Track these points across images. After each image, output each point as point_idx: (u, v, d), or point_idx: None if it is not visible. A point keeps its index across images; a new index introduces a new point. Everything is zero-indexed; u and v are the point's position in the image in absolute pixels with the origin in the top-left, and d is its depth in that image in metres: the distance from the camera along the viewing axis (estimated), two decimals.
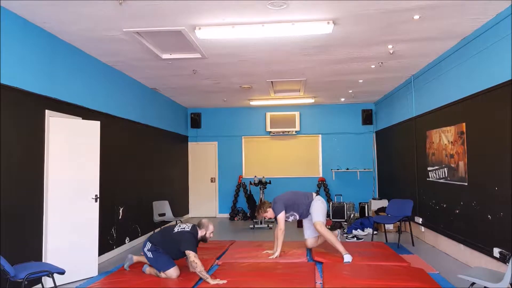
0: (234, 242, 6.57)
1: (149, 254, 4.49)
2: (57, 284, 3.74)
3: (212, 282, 4.20)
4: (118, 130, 6.26)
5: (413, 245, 6.31)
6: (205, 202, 10.40)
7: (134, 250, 6.38)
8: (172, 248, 4.47)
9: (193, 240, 4.49)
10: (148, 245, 4.52)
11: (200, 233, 4.64)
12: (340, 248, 5.14)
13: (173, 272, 4.44)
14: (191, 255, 4.33)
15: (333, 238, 5.22)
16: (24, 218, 4.15)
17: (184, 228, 4.60)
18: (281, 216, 5.33)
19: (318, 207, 5.38)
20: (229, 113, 10.40)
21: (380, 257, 5.26)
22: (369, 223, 7.55)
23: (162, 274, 4.45)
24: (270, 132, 10.18)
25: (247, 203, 9.50)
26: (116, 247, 6.09)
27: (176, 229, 4.58)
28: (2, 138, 3.82)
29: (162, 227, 4.62)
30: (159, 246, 4.49)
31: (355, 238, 7.01)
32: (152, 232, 4.42)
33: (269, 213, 5.52)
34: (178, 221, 4.58)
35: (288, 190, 9.84)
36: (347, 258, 5.02)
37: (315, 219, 5.29)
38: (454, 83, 5.27)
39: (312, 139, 10.25)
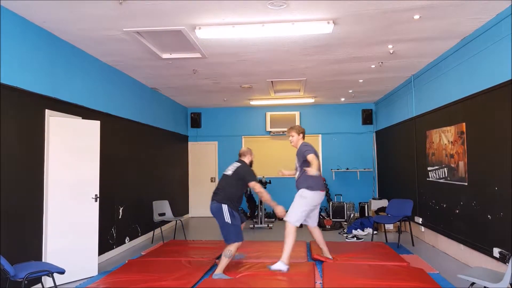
0: None
1: (227, 218, 4.46)
2: (57, 284, 3.74)
3: (279, 208, 4.63)
4: (118, 130, 6.25)
5: (413, 245, 6.31)
6: (205, 202, 10.30)
7: (134, 250, 6.38)
8: (238, 191, 4.66)
9: (250, 170, 4.72)
10: (226, 207, 4.49)
11: (248, 159, 4.86)
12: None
13: (238, 245, 4.55)
14: (256, 186, 4.59)
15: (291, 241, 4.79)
16: (24, 218, 4.15)
17: (235, 166, 4.72)
18: (313, 157, 4.65)
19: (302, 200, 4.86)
20: (229, 113, 10.40)
21: (380, 257, 5.26)
22: (369, 223, 7.55)
23: (231, 247, 4.47)
24: (270, 132, 10.18)
25: (247, 203, 9.50)
26: (116, 247, 6.09)
27: (230, 172, 4.70)
28: (2, 138, 3.82)
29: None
30: (230, 200, 4.55)
31: (355, 238, 7.01)
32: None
33: (294, 139, 5.04)
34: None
35: (289, 190, 9.96)
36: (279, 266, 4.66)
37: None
38: (454, 83, 5.27)
39: (312, 139, 10.22)
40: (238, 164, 4.77)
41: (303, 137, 5.11)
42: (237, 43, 5.03)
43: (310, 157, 4.64)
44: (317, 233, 5.17)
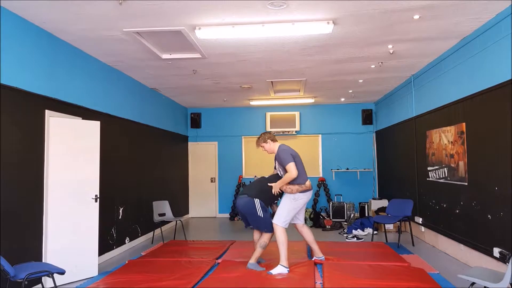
0: (234, 242, 6.57)
1: (260, 212, 4.71)
2: (57, 284, 3.74)
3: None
4: (118, 130, 6.25)
5: (413, 245, 6.31)
6: (205, 202, 10.40)
7: (134, 250, 6.38)
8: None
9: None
10: (258, 201, 4.72)
11: None
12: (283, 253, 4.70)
13: (271, 235, 4.81)
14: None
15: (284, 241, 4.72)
16: (24, 218, 4.15)
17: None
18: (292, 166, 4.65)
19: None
20: (229, 113, 10.40)
21: (380, 257, 5.26)
22: (369, 223, 7.55)
23: (265, 239, 4.78)
24: (270, 132, 10.15)
25: None
26: (116, 247, 6.09)
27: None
28: (2, 138, 3.82)
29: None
30: (263, 195, 4.78)
31: (355, 238, 7.01)
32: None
33: (267, 148, 4.95)
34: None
35: None
36: (279, 269, 4.59)
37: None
38: (454, 83, 5.27)
39: (312, 139, 10.24)
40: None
41: (274, 140, 4.99)
42: (237, 43, 5.03)
43: (289, 167, 4.66)
44: (306, 232, 5.11)
